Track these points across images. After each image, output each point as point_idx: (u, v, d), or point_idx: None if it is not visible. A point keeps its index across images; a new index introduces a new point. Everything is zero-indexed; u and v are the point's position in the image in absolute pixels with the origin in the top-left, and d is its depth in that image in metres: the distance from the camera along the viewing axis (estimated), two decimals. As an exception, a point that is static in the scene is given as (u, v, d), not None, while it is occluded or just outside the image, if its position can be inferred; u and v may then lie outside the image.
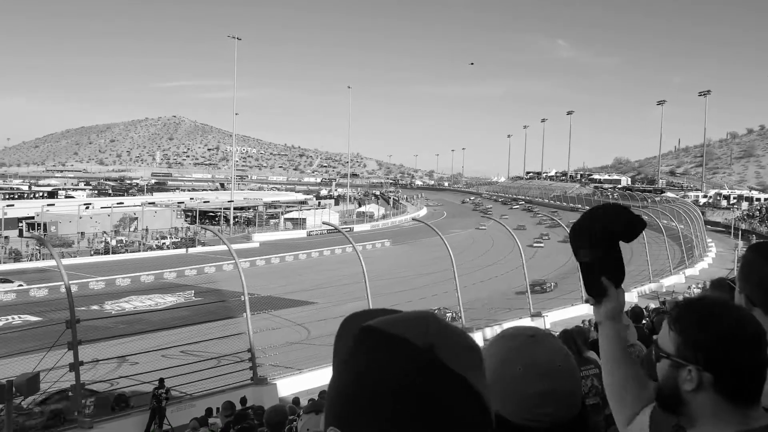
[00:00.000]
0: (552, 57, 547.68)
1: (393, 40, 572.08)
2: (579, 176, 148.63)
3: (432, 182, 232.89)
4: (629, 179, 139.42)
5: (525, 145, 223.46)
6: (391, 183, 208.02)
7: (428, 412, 0.74)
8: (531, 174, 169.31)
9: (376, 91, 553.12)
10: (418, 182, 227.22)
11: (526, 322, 25.94)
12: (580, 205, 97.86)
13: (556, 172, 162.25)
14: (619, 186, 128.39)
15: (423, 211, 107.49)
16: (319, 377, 17.27)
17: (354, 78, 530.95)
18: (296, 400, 10.67)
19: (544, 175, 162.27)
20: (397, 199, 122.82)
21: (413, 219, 66.29)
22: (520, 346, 1.18)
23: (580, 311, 28.09)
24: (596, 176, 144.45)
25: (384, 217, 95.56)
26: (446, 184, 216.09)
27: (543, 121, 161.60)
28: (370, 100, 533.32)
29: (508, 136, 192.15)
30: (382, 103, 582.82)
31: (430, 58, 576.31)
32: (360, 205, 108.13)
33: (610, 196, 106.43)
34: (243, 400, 13.86)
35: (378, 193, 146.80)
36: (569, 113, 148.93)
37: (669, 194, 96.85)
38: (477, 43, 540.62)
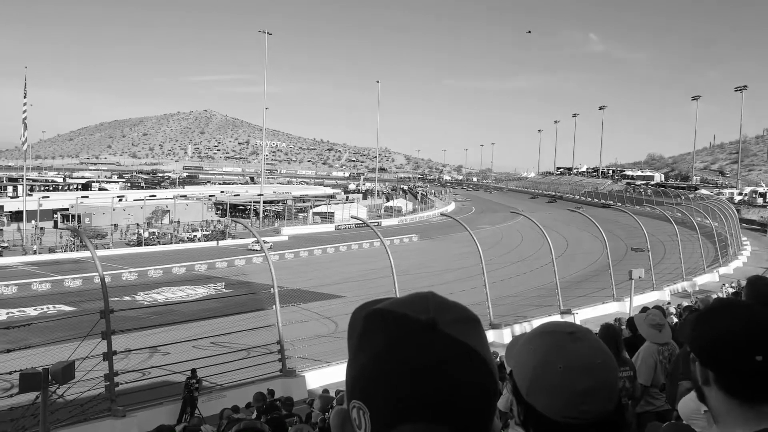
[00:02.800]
0: (583, 51, 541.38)
1: (422, 34, 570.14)
2: (611, 172, 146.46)
3: (460, 177, 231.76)
4: (662, 176, 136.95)
5: (555, 140, 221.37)
6: (419, 178, 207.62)
7: (440, 381, 0.82)
8: (561, 170, 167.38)
9: (405, 85, 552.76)
10: (447, 177, 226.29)
11: (556, 319, 25.71)
12: (612, 202, 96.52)
13: (587, 168, 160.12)
14: (652, 183, 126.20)
15: (451, 206, 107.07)
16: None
17: (383, 73, 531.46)
18: (326, 392, 10.77)
19: (574, 170, 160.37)
20: (425, 193, 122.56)
21: (441, 214, 66.22)
22: (559, 343, 1.16)
23: (610, 309, 27.74)
24: (629, 172, 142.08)
25: (412, 211, 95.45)
26: (475, 179, 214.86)
27: (574, 116, 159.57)
28: (399, 95, 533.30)
29: (539, 131, 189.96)
30: (410, 97, 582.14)
31: (459, 53, 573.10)
32: (388, 200, 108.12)
33: (643, 193, 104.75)
34: (271, 393, 14.02)
35: (406, 187, 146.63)
36: (601, 108, 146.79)
37: (703, 191, 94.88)
38: (507, 37, 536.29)
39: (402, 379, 0.82)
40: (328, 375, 17.92)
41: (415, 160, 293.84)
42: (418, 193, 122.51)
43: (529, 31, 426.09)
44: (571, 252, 50.15)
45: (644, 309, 9.54)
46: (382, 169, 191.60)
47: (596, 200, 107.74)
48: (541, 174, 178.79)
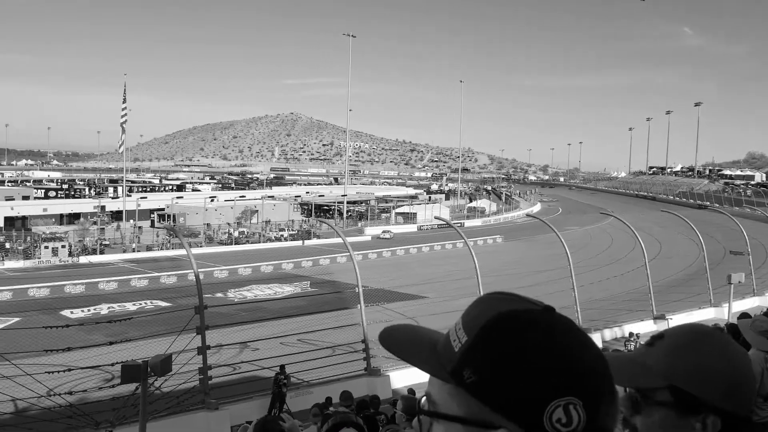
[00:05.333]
0: (677, 45, 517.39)
1: (506, 31, 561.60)
2: (707, 171, 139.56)
3: (546, 177, 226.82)
4: (764, 175, 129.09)
5: (648, 138, 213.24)
6: (503, 178, 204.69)
7: (594, 360, 0.86)
8: (654, 169, 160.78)
9: (488, 84, 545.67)
10: (532, 177, 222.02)
11: (649, 324, 24.70)
12: (708, 203, 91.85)
13: (681, 167, 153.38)
14: (753, 182, 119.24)
15: (537, 207, 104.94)
16: (432, 371, 17.30)
17: (466, 72, 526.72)
18: (411, 391, 10.74)
19: (668, 170, 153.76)
20: (509, 194, 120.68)
21: (527, 215, 65.02)
22: (729, 341, 1.18)
23: (707, 315, 26.42)
24: (727, 172, 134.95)
25: (496, 212, 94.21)
26: (561, 179, 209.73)
27: (668, 113, 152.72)
28: (482, 94, 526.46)
29: (630, 129, 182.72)
30: (494, 96, 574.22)
31: (545, 49, 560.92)
32: (471, 200, 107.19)
33: (742, 193, 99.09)
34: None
35: (489, 188, 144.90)
36: (697, 105, 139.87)
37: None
38: (595, 32, 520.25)
39: (587, 359, 0.84)
40: (412, 375, 17.88)
41: (499, 159, 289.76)
42: (502, 193, 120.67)
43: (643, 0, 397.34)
44: (665, 255, 48.05)
45: (744, 315, 9.01)
46: (465, 170, 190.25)
47: (691, 201, 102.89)
48: (633, 174, 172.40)
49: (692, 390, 1.10)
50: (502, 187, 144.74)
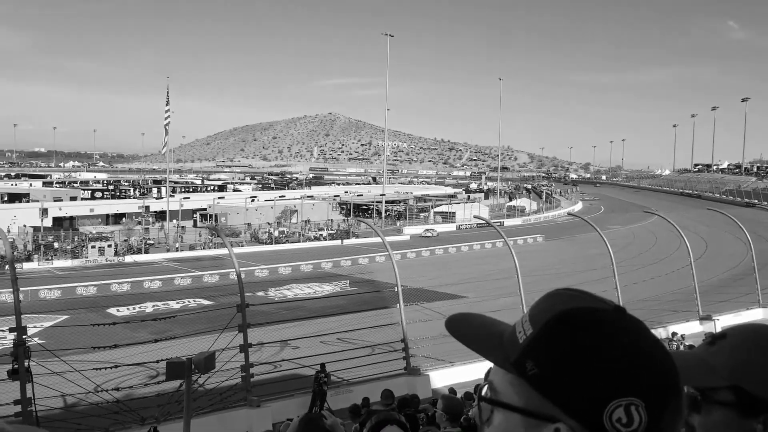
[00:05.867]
0: (722, 40, 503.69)
1: (546, 28, 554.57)
2: (755, 169, 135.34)
3: (588, 175, 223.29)
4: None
5: (693, 135, 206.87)
6: (543, 176, 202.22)
7: (665, 358, 0.86)
8: (700, 166, 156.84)
9: (528, 81, 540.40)
10: (573, 175, 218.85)
11: (694, 325, 24.12)
12: (756, 201, 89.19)
13: (728, 165, 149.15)
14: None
15: (578, 206, 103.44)
16: (472, 371, 17.15)
17: (505, 70, 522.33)
18: (452, 391, 10.71)
19: (714, 167, 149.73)
20: (549, 193, 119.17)
21: (568, 213, 64.21)
22: None
23: (755, 315, 25.68)
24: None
25: (536, 211, 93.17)
26: (603, 177, 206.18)
27: (713, 109, 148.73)
28: (522, 92, 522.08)
29: (674, 125, 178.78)
30: (534, 93, 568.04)
31: (585, 46, 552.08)
32: (510, 199, 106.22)
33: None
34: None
35: (530, 186, 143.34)
36: (744, 100, 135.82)
37: None
38: (637, 27, 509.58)
39: (654, 361, 0.84)
40: (452, 375, 17.86)
41: (539, 158, 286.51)
42: (542, 192, 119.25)
43: None
44: (711, 254, 46.84)
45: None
46: (504, 168, 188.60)
47: (738, 199, 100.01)
48: (677, 171, 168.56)
49: (757, 391, 1.07)
50: (543, 185, 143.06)
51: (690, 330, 22.70)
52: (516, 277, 20.64)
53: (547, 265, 43.66)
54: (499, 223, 59.56)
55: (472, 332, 0.95)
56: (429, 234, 66.35)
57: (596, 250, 29.52)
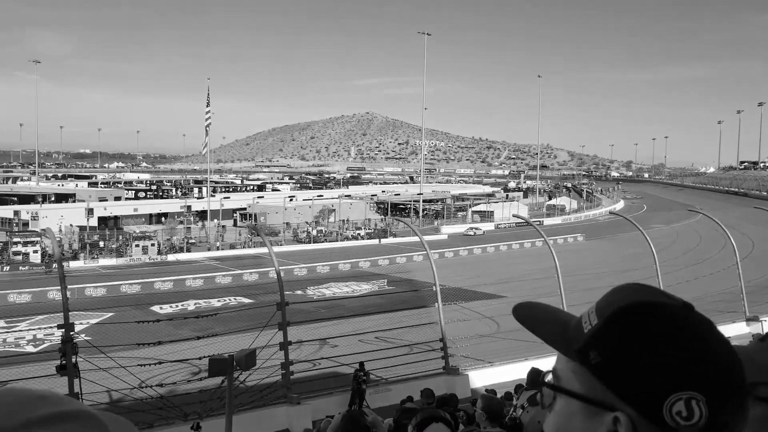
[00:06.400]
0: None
1: (586, 23, 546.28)
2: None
3: (630, 173, 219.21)
4: None
5: (739, 131, 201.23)
6: (583, 175, 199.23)
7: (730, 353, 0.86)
8: (746, 164, 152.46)
9: (568, 78, 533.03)
10: (614, 173, 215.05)
11: (741, 326, 23.45)
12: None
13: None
14: None
15: (620, 204, 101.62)
16: (512, 371, 17.03)
17: (545, 66, 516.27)
18: (491, 391, 10.63)
19: (761, 164, 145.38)
20: (590, 191, 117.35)
21: (610, 212, 63.29)
22: None
23: (807, 317, 24.80)
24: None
25: (576, 210, 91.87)
26: (646, 175, 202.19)
27: (760, 104, 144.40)
28: (561, 89, 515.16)
29: (719, 122, 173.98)
30: (574, 90, 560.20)
31: (627, 41, 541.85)
32: (550, 198, 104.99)
33: None
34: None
35: (569, 185, 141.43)
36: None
37: None
38: (678, 22, 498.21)
39: (719, 358, 0.84)
40: (491, 375, 17.73)
41: (579, 156, 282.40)
42: (582, 190, 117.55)
43: None
44: (758, 253, 45.52)
45: None
46: (543, 167, 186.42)
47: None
48: (722, 169, 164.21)
49: None
50: (583, 184, 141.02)
51: (736, 331, 22.07)
52: (556, 277, 20.40)
53: (588, 264, 43.02)
54: (538, 222, 58.90)
55: (539, 320, 0.98)
56: (472, 233, 66.13)
57: (639, 249, 28.95)
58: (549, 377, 0.94)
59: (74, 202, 76.23)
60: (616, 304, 0.89)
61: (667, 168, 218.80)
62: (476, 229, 67.90)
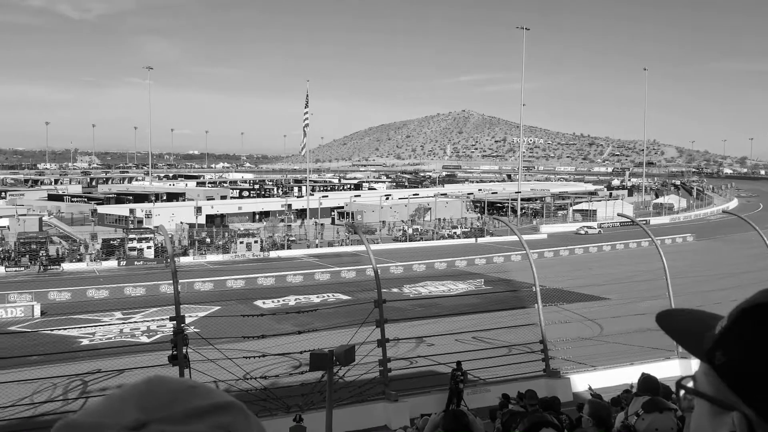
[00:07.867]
0: None
1: (694, 11, 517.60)
2: None
3: (744, 170, 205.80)
4: None
5: None
6: (693, 172, 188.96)
7: None
8: None
9: (676, 71, 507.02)
10: (727, 170, 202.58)
11: None
12: None
13: None
14: None
15: (733, 203, 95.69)
16: (616, 376, 16.39)
17: (650, 59, 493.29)
18: (597, 396, 10.25)
19: None
20: (701, 189, 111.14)
21: (723, 211, 59.76)
22: None
23: None
24: None
25: (686, 209, 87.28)
26: (762, 172, 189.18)
27: None
28: (669, 81, 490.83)
29: None
30: (683, 83, 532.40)
31: (740, 29, 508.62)
32: (657, 196, 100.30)
33: None
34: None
35: (678, 182, 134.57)
36: None
37: None
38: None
39: None
40: (594, 379, 17.06)
41: (689, 152, 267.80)
42: (692, 188, 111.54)
43: None
44: None
45: None
46: (649, 163, 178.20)
47: None
48: None
49: None
50: (693, 181, 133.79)
51: None
52: (664, 279, 19.49)
53: (698, 266, 40.81)
54: (644, 222, 56.36)
55: (678, 325, 0.99)
56: (583, 232, 64.62)
57: (755, 250, 27.15)
58: (690, 383, 0.95)
59: (184, 200, 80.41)
60: (744, 304, 0.88)
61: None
62: (589, 227, 65.95)
